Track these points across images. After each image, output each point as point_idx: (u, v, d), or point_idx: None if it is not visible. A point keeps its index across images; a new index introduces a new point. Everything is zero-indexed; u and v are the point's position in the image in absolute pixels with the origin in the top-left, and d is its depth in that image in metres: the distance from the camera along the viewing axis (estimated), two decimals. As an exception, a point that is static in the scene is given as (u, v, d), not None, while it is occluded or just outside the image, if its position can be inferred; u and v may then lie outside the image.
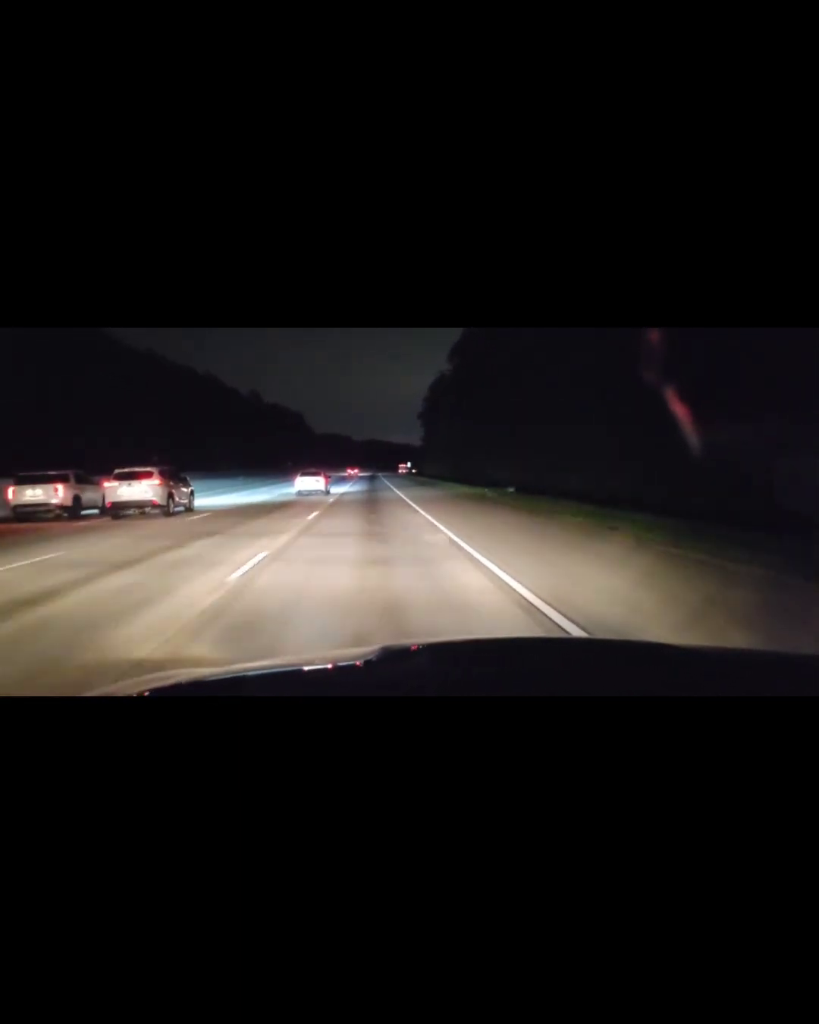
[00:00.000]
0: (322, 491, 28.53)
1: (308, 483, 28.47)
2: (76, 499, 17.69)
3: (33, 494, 17.26)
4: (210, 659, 4.07)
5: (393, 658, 1.43)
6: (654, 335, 14.93)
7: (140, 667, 3.67)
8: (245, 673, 1.38)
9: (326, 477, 29.56)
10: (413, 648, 1.68)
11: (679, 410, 13.69)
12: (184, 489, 19.66)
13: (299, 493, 28.06)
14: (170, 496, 18.05)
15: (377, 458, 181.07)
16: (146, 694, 1.17)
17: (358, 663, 1.38)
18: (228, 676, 1.36)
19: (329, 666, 1.45)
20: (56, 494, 17.27)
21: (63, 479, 17.54)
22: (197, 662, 4.01)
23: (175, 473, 19.16)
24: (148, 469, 17.84)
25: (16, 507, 17.28)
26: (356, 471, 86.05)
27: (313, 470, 30.29)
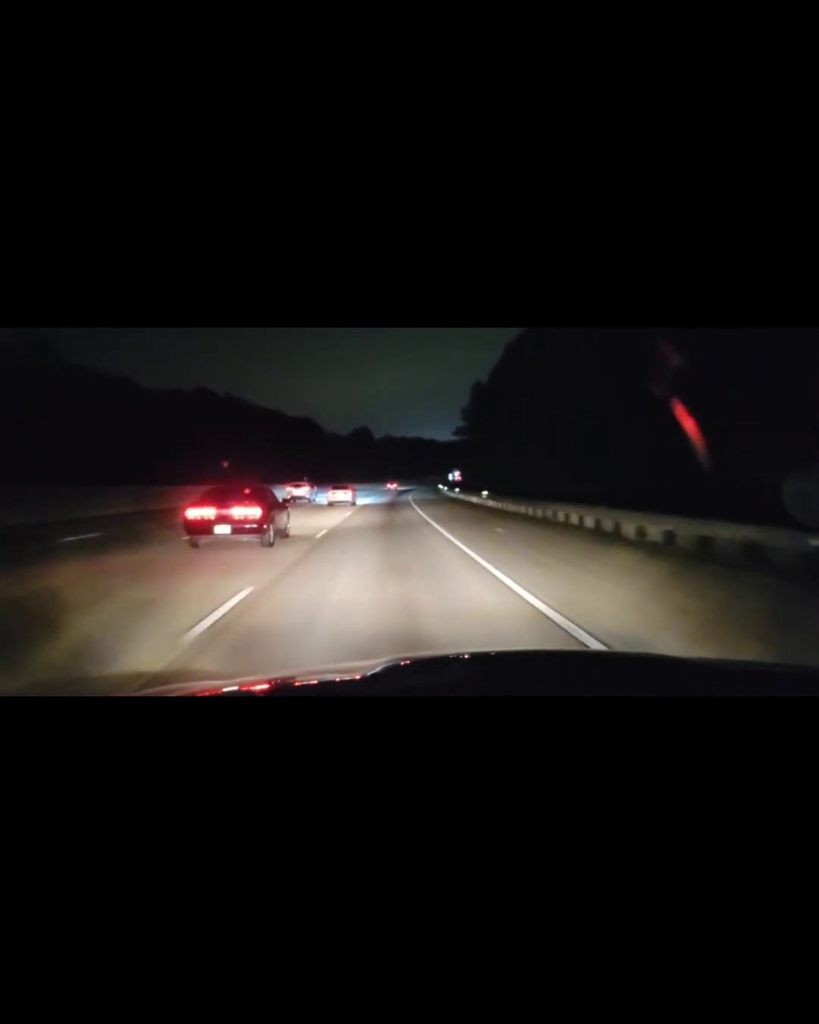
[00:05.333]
0: (350, 502, 34.03)
1: (338, 495, 34.53)
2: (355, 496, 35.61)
3: (339, 494, 34.25)
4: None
5: (400, 671, 1.48)
6: (664, 348, 14.68)
7: (149, 680, 3.74)
8: (258, 682, 1.42)
9: (352, 489, 35.97)
10: (420, 661, 1.77)
11: (687, 424, 13.50)
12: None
13: (331, 503, 33.72)
14: (312, 492, 40.23)
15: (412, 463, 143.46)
16: (161, 696, 1.21)
17: (365, 676, 1.40)
18: (242, 684, 1.41)
19: (336, 678, 1.50)
20: (350, 493, 34.27)
21: (351, 488, 35.09)
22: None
23: (314, 482, 43.09)
24: (303, 481, 41.14)
25: (330, 502, 34.12)
26: (395, 485, 77.35)
27: (343, 484, 36.80)
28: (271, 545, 11.27)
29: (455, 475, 69.89)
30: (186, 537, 11.05)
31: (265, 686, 1.38)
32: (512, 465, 35.98)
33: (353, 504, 33.42)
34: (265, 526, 11.06)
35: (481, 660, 1.70)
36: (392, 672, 1.41)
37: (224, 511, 10.89)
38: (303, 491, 38.02)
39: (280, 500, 13.62)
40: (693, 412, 13.48)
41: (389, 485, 75.04)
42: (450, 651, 2.32)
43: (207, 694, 1.34)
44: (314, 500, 37.77)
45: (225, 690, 1.35)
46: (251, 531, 10.91)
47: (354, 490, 36.06)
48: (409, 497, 47.40)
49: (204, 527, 10.86)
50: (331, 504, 33.37)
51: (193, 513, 10.98)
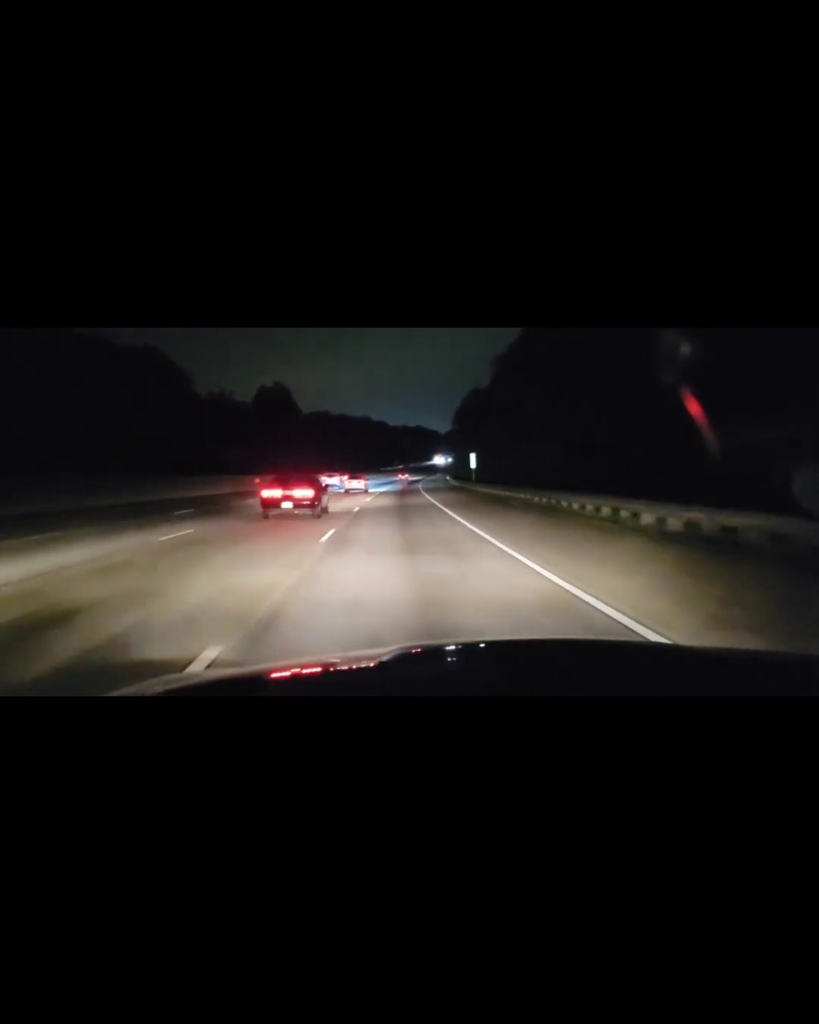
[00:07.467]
0: (362, 489, 41.58)
1: (352, 483, 42.46)
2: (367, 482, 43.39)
3: (353, 482, 41.56)
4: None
5: (409, 659, 1.50)
6: (672, 337, 14.70)
7: (153, 668, 3.89)
8: (261, 675, 1.43)
9: (365, 478, 45.17)
10: (429, 649, 1.83)
11: (696, 412, 13.57)
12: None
13: (347, 490, 41.19)
14: (340, 481, 42.88)
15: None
16: (164, 695, 1.23)
17: (374, 664, 1.42)
18: (245, 677, 1.43)
19: (345, 667, 1.50)
20: (363, 481, 41.79)
21: (364, 476, 44.20)
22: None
23: (343, 473, 45.89)
24: (335, 472, 43.19)
25: (347, 489, 40.52)
26: (406, 476, 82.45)
27: (358, 474, 45.61)
28: (320, 517, 16.38)
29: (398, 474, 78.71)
30: (261, 510, 16.39)
31: (275, 677, 1.40)
32: (507, 453, 36.08)
33: (366, 491, 40.56)
34: (316, 504, 16.26)
35: (488, 649, 1.73)
36: (402, 660, 1.46)
37: (288, 492, 16.18)
38: (334, 480, 45.23)
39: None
40: (702, 401, 13.64)
41: (400, 476, 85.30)
42: (459, 640, 2.51)
43: (219, 681, 1.41)
44: (341, 488, 43.58)
45: (236, 682, 1.39)
46: (306, 507, 16.15)
47: (366, 479, 46.49)
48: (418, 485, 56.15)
49: (274, 503, 16.15)
50: (347, 491, 40.87)
51: (267, 493, 16.37)
